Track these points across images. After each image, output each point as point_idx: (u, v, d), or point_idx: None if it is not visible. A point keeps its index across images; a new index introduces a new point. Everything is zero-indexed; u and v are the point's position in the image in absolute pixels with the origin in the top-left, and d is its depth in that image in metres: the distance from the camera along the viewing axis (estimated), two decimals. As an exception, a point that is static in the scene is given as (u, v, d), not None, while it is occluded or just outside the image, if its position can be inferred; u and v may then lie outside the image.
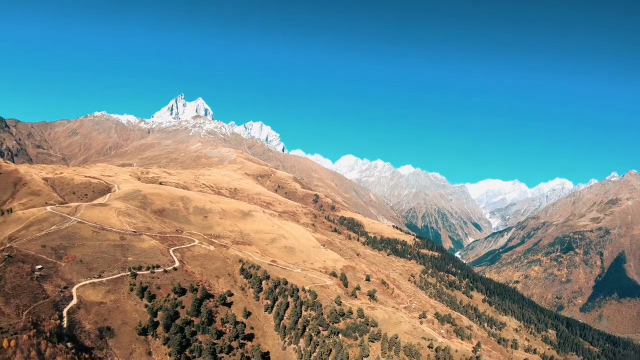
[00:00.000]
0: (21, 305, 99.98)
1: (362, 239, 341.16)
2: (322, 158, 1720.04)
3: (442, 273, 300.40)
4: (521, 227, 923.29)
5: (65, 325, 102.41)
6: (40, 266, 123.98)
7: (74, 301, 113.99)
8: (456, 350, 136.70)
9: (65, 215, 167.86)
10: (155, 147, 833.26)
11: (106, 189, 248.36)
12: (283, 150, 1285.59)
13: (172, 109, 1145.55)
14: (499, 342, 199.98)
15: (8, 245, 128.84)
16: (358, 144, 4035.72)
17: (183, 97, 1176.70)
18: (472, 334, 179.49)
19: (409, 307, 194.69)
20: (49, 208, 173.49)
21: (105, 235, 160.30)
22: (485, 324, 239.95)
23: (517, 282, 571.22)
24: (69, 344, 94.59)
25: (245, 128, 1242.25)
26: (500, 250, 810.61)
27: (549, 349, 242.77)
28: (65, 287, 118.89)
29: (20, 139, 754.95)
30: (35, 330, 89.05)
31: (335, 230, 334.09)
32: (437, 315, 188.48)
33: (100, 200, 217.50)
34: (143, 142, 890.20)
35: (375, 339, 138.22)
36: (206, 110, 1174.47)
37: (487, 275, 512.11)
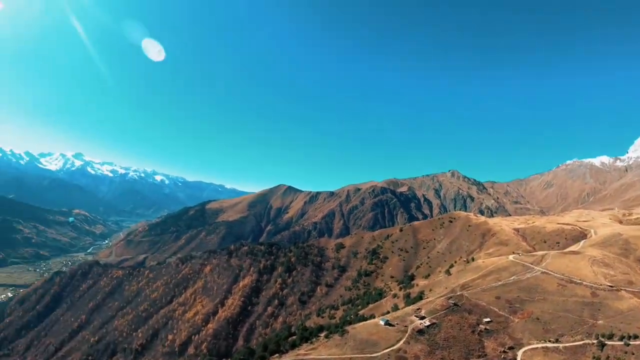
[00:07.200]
0: (447, 358, 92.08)
1: None
2: None
3: None
4: None
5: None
6: (488, 319, 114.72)
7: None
8: None
9: (528, 265, 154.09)
10: (637, 186, 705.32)
11: (580, 236, 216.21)
12: None
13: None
14: None
15: (459, 293, 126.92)
16: None
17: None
18: None
19: None
20: (510, 257, 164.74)
21: (572, 289, 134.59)
22: None
23: None
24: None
25: None
26: None
27: None
28: (510, 348, 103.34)
29: (497, 198, 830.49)
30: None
31: None
32: None
33: (572, 248, 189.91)
34: (622, 183, 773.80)
35: None
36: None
37: None
